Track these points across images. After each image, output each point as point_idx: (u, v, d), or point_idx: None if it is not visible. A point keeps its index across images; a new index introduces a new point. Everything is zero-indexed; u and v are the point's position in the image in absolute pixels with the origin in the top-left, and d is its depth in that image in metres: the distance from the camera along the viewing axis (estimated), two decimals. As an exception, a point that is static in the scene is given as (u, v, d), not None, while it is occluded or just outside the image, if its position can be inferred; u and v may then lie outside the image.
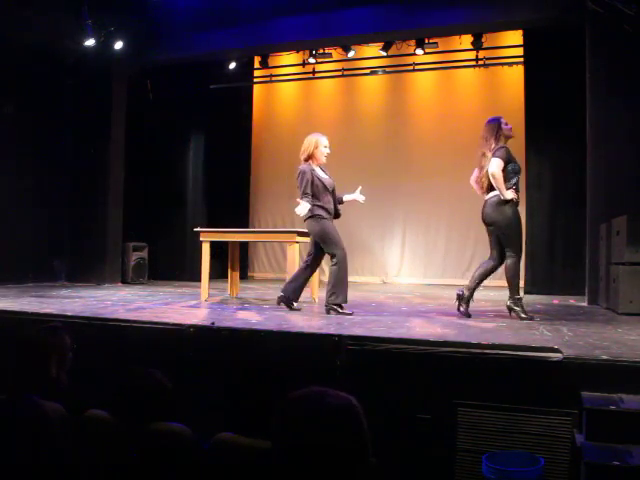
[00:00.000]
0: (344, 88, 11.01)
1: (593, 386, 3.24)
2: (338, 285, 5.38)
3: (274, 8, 8.10)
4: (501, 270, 5.19)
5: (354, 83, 10.88)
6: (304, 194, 5.39)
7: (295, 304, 5.65)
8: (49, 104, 8.68)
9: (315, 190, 5.42)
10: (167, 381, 2.33)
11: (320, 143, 5.53)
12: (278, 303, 5.68)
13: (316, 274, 6.95)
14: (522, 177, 8.43)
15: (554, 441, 3.25)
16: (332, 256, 5.42)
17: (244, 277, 10.13)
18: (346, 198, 5.78)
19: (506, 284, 5.09)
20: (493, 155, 5.05)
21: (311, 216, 5.42)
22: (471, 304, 5.21)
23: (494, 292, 8.57)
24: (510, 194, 5.04)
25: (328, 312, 5.38)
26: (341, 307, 5.38)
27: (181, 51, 8.77)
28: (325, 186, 5.46)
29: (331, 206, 5.50)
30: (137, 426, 2.15)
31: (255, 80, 11.32)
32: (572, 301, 6.58)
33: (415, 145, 10.41)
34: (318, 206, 5.42)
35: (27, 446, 1.68)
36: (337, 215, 5.65)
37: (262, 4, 8.12)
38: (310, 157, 5.52)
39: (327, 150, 5.57)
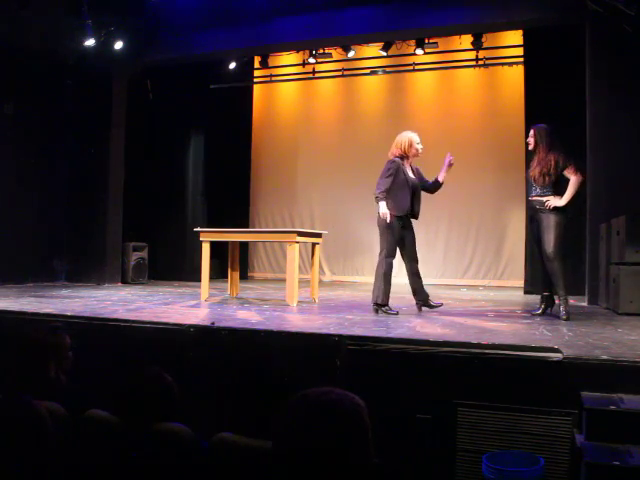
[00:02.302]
0: (344, 88, 11.00)
1: (593, 386, 3.24)
2: (377, 283, 5.47)
3: (274, 8, 8.08)
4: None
5: (354, 83, 10.87)
6: (380, 184, 5.38)
7: (433, 302, 5.68)
8: (49, 104, 8.68)
9: (394, 185, 5.40)
10: (173, 382, 2.33)
11: (413, 141, 5.56)
12: (420, 309, 5.67)
13: (316, 274, 6.95)
14: (521, 177, 8.53)
15: (554, 441, 3.25)
16: (381, 250, 5.52)
17: (244, 277, 10.12)
18: (441, 177, 5.68)
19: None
20: None
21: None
22: (472, 304, 5.21)
23: (494, 292, 8.58)
24: None
25: (376, 312, 5.44)
26: (385, 306, 5.42)
27: (181, 51, 8.77)
28: (407, 182, 5.46)
29: (406, 203, 5.44)
30: (139, 426, 2.15)
31: (255, 80, 11.31)
32: (572, 301, 6.55)
33: (415, 145, 10.40)
34: (390, 200, 5.40)
35: (18, 446, 1.67)
36: (414, 215, 5.59)
37: (262, 4, 8.10)
38: (403, 155, 5.54)
39: (420, 146, 5.61)
